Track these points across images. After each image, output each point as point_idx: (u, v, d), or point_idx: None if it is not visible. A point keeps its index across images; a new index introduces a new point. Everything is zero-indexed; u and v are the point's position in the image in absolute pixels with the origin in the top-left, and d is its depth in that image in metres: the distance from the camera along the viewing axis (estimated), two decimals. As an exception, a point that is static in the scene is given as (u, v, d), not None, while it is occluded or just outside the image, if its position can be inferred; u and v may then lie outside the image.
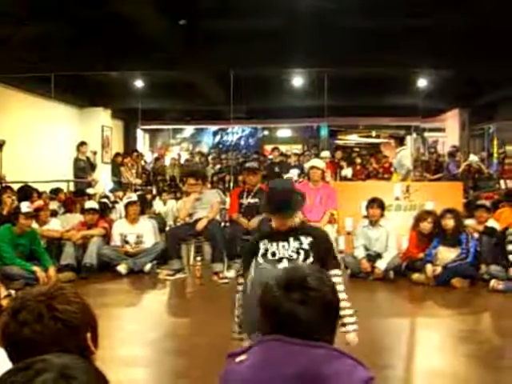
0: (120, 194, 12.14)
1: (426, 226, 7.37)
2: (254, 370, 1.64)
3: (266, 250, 3.73)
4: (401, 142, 10.85)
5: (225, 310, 5.45)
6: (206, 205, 7.77)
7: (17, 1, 8.73)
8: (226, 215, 8.55)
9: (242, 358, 1.70)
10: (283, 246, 3.73)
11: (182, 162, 18.28)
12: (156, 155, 18.80)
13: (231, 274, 7.41)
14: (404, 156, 10.39)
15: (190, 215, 7.80)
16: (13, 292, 5.72)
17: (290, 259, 3.67)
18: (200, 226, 7.50)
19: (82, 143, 13.41)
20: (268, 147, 19.43)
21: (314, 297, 1.66)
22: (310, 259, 3.67)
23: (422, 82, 13.75)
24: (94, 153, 14.06)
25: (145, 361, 4.30)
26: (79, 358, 1.21)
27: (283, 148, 17.22)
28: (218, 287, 7.05)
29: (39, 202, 8.14)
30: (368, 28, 9.74)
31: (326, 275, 1.81)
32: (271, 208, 3.79)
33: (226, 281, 7.15)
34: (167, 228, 10.98)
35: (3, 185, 8.64)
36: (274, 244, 3.75)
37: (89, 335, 1.52)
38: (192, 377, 3.89)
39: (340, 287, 3.57)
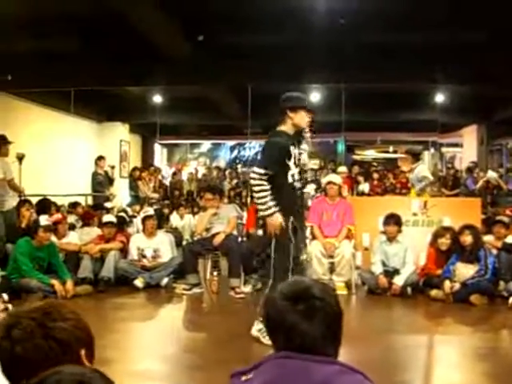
0: (137, 208, 12.19)
1: (444, 242, 7.32)
2: None
3: (295, 157, 5.03)
4: (417, 157, 10.79)
5: (241, 325, 5.45)
6: (223, 219, 7.79)
7: (38, 16, 8.85)
8: (243, 230, 8.56)
9: (249, 376, 1.66)
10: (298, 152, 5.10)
11: (199, 176, 18.34)
12: (173, 170, 18.88)
13: (248, 289, 7.41)
14: (422, 169, 10.33)
15: (207, 230, 7.82)
16: (10, 306, 5.76)
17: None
18: (217, 240, 7.52)
19: (100, 157, 13.50)
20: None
21: (319, 306, 1.66)
22: None
23: (439, 98, 13.73)
24: (112, 167, 14.14)
25: (161, 375, 4.29)
26: (92, 368, 1.21)
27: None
28: (234, 302, 7.04)
29: (57, 216, 8.20)
30: (385, 43, 9.76)
31: (328, 285, 1.83)
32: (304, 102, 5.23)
33: (243, 296, 7.15)
34: (184, 242, 11.00)
35: (22, 198, 8.70)
36: (296, 149, 5.07)
37: (83, 352, 1.51)
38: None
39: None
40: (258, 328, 4.94)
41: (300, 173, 5.10)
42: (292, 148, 5.01)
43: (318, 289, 1.70)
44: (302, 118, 5.10)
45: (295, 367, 1.60)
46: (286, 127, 5.11)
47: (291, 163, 4.98)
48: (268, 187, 4.88)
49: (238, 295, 7.19)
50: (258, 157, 5.25)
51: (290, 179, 4.98)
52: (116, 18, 8.61)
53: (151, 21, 8.78)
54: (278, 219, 4.87)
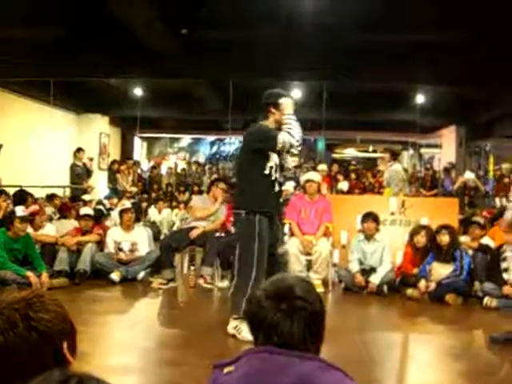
0: (115, 201, 12.13)
1: (420, 239, 7.37)
2: (244, 382, 1.63)
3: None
4: (395, 156, 10.86)
5: (217, 319, 5.45)
6: (212, 218, 7.79)
7: (17, 5, 8.74)
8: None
9: (230, 368, 1.69)
10: None
11: (179, 171, 18.30)
12: (152, 163, 18.81)
13: (225, 284, 7.40)
14: (395, 171, 10.39)
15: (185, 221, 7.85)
16: None
17: None
18: (193, 234, 7.51)
19: (79, 149, 13.42)
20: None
21: (301, 306, 1.67)
22: None
23: (419, 98, 13.82)
24: (91, 159, 14.06)
25: (136, 369, 4.27)
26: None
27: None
28: (211, 297, 7.05)
29: (34, 207, 8.12)
30: (367, 43, 9.80)
31: (311, 284, 1.83)
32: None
33: (210, 286, 7.17)
34: (162, 236, 10.96)
35: (-1, 189, 8.62)
36: None
37: (65, 344, 1.50)
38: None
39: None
40: (233, 326, 4.95)
41: (281, 168, 5.14)
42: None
43: (300, 288, 1.72)
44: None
45: (275, 362, 1.62)
46: (268, 123, 5.13)
47: (271, 155, 5.01)
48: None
49: (206, 284, 7.20)
50: (245, 144, 5.20)
51: (267, 171, 5.00)
52: (98, 9, 8.54)
53: (134, 13, 8.72)
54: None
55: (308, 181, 8.05)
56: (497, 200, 12.87)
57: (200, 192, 13.49)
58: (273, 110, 5.09)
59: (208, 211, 7.80)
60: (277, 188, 5.14)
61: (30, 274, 6.73)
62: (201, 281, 7.27)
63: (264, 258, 4.98)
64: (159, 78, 12.63)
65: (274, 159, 5.02)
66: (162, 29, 9.27)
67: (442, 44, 9.72)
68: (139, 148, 20.43)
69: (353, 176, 14.95)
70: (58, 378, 1.14)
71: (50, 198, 10.65)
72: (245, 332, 4.65)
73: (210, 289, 7.22)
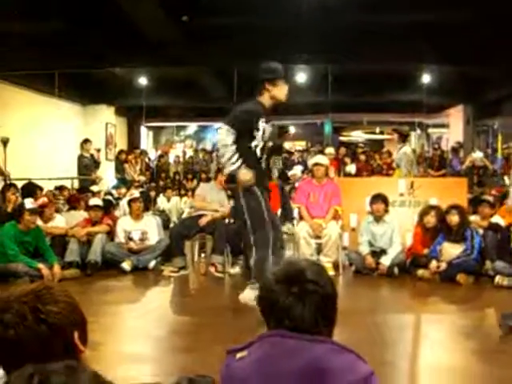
0: (123, 190, 12.15)
1: (430, 219, 7.34)
2: (257, 366, 1.64)
3: (264, 131, 4.99)
4: (404, 138, 10.81)
5: (229, 306, 5.47)
6: (216, 204, 7.77)
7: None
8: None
9: (243, 354, 1.70)
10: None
11: (186, 158, 18.30)
12: (160, 152, 18.80)
13: (236, 270, 7.42)
14: (405, 153, 10.35)
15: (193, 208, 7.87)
16: None
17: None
18: (203, 221, 7.50)
19: (86, 140, 13.42)
20: (272, 144, 19.42)
21: (313, 289, 1.67)
22: None
23: (426, 78, 13.74)
24: (98, 150, 14.07)
25: (149, 358, 4.29)
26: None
27: (287, 145, 17.21)
28: (222, 284, 7.07)
29: (43, 199, 8.13)
30: (372, 23, 9.73)
31: (322, 267, 1.82)
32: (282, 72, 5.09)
33: (221, 275, 7.17)
34: (171, 225, 10.98)
35: (7, 182, 8.62)
36: (265, 124, 5.02)
37: (76, 334, 1.51)
38: (196, 373, 3.88)
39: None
40: (251, 297, 4.88)
41: (263, 148, 5.09)
42: (262, 120, 4.99)
43: (311, 271, 1.71)
44: (281, 90, 5.07)
45: (287, 346, 1.63)
46: (264, 99, 5.08)
47: (258, 135, 4.97)
48: (230, 142, 4.84)
49: (217, 273, 7.19)
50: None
51: (253, 148, 5.00)
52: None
53: (136, 2, 8.70)
54: (247, 171, 4.87)
55: (316, 164, 8.03)
56: (505, 178, 12.82)
57: (208, 179, 13.49)
58: (269, 87, 5.02)
59: (209, 205, 7.78)
60: (263, 165, 5.16)
61: (41, 266, 6.77)
62: (212, 269, 7.27)
63: (271, 221, 5.03)
64: (163, 66, 12.62)
65: (258, 140, 4.99)
66: (163, 17, 9.24)
67: (447, 23, 9.64)
68: (146, 137, 20.41)
69: (362, 158, 14.86)
70: (27, 373, 1.15)
71: (59, 189, 10.67)
72: None
73: (220, 277, 7.22)
